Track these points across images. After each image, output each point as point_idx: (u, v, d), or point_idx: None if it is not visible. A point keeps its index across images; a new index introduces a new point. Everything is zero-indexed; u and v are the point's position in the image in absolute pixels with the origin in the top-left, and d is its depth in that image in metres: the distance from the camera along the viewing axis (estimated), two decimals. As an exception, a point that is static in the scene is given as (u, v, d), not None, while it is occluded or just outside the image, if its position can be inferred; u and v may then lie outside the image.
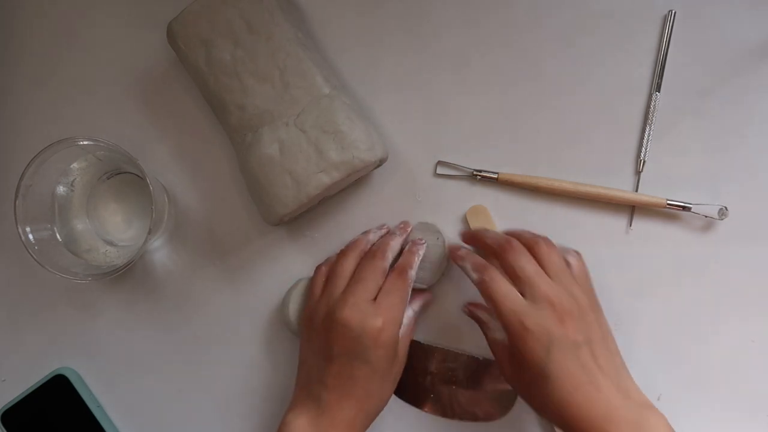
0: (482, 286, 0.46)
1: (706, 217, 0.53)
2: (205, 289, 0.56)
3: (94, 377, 0.57)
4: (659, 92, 0.54)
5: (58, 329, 0.57)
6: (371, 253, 0.51)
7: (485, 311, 0.51)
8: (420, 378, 0.54)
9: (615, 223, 0.54)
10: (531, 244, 0.47)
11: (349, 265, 0.50)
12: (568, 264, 0.48)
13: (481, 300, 0.47)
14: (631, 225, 0.54)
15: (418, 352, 0.54)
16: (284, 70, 0.50)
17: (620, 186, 0.54)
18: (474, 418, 0.53)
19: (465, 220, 0.55)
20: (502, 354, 0.47)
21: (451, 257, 0.51)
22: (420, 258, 0.51)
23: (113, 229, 0.56)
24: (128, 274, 0.57)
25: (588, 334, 0.44)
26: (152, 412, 0.56)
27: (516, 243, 0.47)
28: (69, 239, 0.54)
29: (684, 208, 0.53)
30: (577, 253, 0.50)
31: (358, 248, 0.51)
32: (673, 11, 0.54)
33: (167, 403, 0.56)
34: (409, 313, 0.50)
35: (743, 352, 0.53)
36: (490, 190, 0.55)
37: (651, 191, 0.54)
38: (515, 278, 0.46)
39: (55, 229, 0.54)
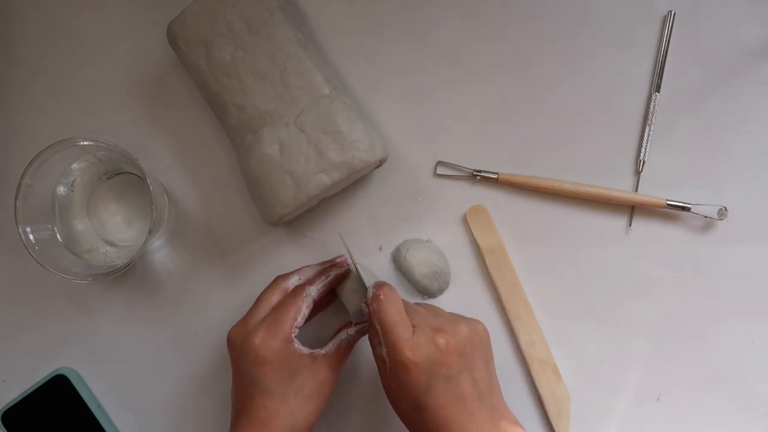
0: (376, 304, 0.45)
1: (705, 217, 0.53)
2: (205, 289, 0.56)
3: (94, 377, 0.57)
4: (659, 92, 0.54)
5: (58, 329, 0.57)
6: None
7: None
8: None
9: (615, 223, 0.54)
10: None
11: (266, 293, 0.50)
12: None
13: None
14: (630, 225, 0.54)
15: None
16: (284, 71, 0.50)
17: (620, 186, 0.54)
18: None
19: (465, 221, 0.55)
20: (384, 374, 0.45)
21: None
22: (329, 280, 0.50)
23: (113, 230, 0.56)
24: (128, 275, 0.57)
25: (470, 361, 0.44)
26: (152, 413, 0.56)
27: (383, 288, 0.47)
28: (69, 239, 0.54)
29: (684, 208, 0.53)
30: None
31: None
32: (673, 12, 0.54)
33: (167, 403, 0.56)
34: (342, 336, 0.49)
35: (743, 352, 0.53)
36: (490, 190, 0.55)
37: (651, 191, 0.54)
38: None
39: (56, 229, 0.54)
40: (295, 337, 0.47)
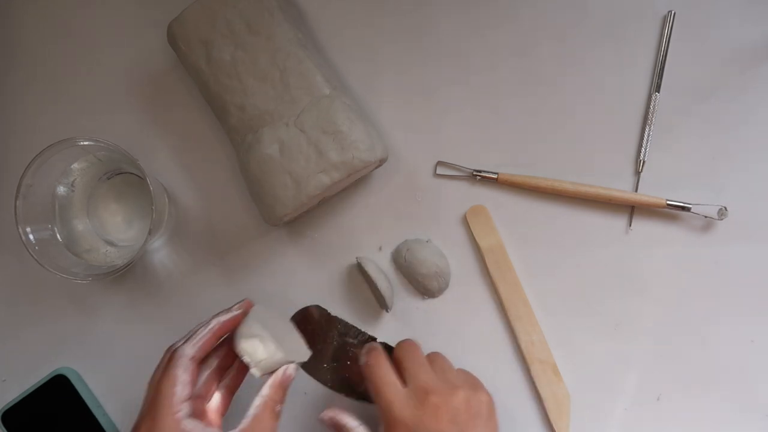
0: (366, 370, 0.46)
1: (705, 217, 0.53)
2: (206, 289, 0.56)
3: (94, 377, 0.56)
4: (659, 92, 0.54)
5: (58, 329, 0.57)
6: None
7: (348, 415, 0.46)
8: (319, 346, 0.52)
9: (615, 223, 0.54)
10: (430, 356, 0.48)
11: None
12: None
13: None
14: (631, 225, 0.54)
15: (321, 320, 0.53)
16: (284, 71, 0.50)
17: (620, 186, 0.54)
18: (362, 397, 0.51)
19: (465, 221, 0.55)
20: None
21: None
22: (210, 329, 0.43)
23: (113, 230, 0.56)
24: (128, 275, 0.57)
25: (463, 426, 0.43)
26: (152, 412, 0.56)
27: (411, 341, 0.48)
28: (69, 239, 0.54)
29: (684, 208, 0.53)
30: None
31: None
32: (673, 12, 0.54)
33: (167, 403, 0.56)
34: (257, 402, 0.41)
35: (743, 352, 0.53)
36: (490, 191, 0.55)
37: (651, 191, 0.54)
38: (400, 368, 0.46)
39: (56, 229, 0.54)
40: (188, 416, 0.39)
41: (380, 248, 0.55)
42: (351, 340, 0.53)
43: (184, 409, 0.38)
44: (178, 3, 0.51)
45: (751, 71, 0.54)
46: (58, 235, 0.53)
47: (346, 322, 0.53)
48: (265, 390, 0.41)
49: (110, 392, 0.56)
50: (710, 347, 0.53)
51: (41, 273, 0.50)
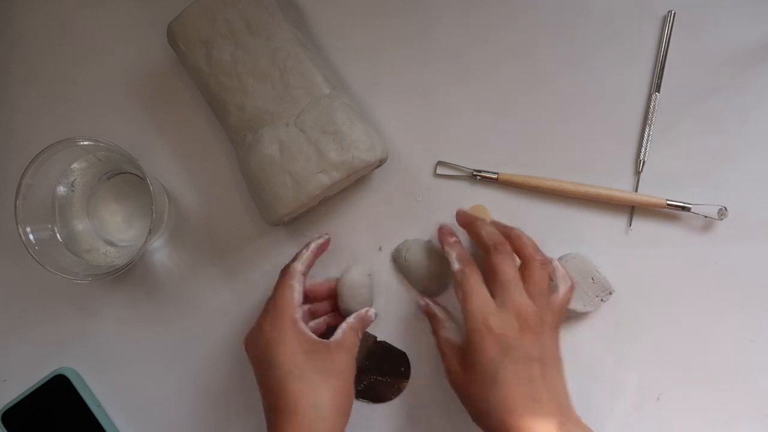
0: (459, 277, 0.48)
1: (705, 217, 0.53)
2: (206, 289, 0.56)
3: (94, 377, 0.57)
4: (659, 92, 0.54)
5: (58, 329, 0.57)
6: None
7: (442, 309, 0.52)
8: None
9: (615, 223, 0.54)
10: (529, 258, 0.48)
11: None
12: (554, 290, 0.49)
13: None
14: (631, 225, 0.54)
15: None
16: (284, 71, 0.50)
17: (620, 186, 0.54)
18: (359, 394, 0.54)
19: (465, 220, 0.55)
20: (451, 353, 0.48)
21: (439, 238, 0.52)
22: (311, 250, 0.51)
23: (113, 230, 0.56)
24: (128, 274, 0.57)
25: (543, 353, 0.45)
26: (152, 412, 0.56)
27: (508, 248, 0.48)
28: (69, 239, 0.54)
29: (684, 208, 0.53)
30: (571, 286, 0.50)
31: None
32: (673, 12, 0.54)
33: (167, 403, 0.56)
34: (343, 326, 0.50)
35: (743, 352, 0.53)
36: (489, 190, 0.55)
37: (651, 191, 0.54)
38: (493, 279, 0.47)
39: (56, 229, 0.54)
40: (300, 319, 0.48)
41: (380, 248, 0.55)
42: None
43: (299, 312, 0.48)
44: (178, 3, 0.51)
45: (751, 71, 0.54)
46: (58, 235, 0.53)
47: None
48: (351, 319, 0.51)
49: (110, 392, 0.56)
50: (710, 347, 0.53)
51: (41, 273, 0.50)
